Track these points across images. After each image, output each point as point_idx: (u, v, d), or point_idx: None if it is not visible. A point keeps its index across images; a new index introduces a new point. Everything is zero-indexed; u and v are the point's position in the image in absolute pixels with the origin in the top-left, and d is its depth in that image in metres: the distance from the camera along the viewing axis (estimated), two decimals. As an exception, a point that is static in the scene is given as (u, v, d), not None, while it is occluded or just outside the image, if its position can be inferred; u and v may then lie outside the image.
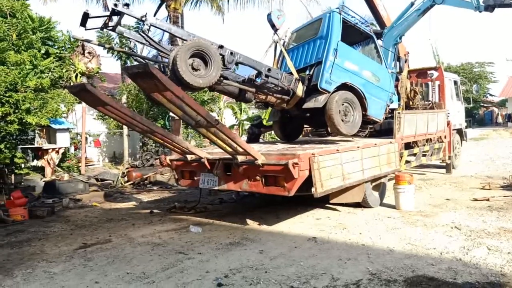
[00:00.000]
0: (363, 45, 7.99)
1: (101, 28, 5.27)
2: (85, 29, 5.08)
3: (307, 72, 6.85)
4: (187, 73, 4.82)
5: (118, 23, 5.20)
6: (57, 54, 11.91)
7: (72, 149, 13.67)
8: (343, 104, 6.72)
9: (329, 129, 7.28)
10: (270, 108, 8.13)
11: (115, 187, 10.28)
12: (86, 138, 13.67)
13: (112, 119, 8.73)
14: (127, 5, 5.00)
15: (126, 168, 11.57)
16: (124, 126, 13.24)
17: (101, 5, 15.93)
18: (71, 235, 6.09)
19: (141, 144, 15.74)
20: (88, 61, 12.95)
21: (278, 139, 8.61)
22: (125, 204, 8.41)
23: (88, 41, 6.09)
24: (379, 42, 8.20)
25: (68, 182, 9.59)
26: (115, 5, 4.88)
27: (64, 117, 12.34)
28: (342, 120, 6.68)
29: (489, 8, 8.33)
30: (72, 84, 11.52)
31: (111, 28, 5.20)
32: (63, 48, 12.54)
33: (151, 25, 5.10)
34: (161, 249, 5.13)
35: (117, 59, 16.00)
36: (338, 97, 6.61)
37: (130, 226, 6.45)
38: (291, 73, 6.65)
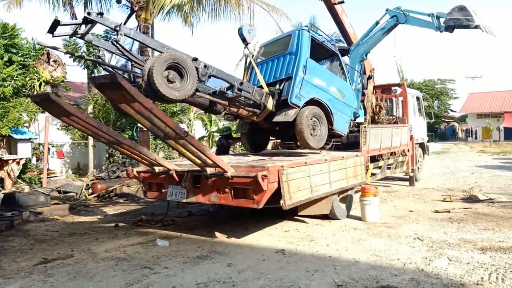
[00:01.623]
0: (328, 62, 8.31)
1: (71, 36, 5.15)
2: (53, 36, 4.96)
3: (277, 87, 6.99)
4: (163, 86, 4.79)
5: (88, 31, 5.11)
6: (21, 62, 11.53)
7: (34, 160, 13.15)
8: (311, 119, 6.92)
9: (298, 142, 7.41)
10: (238, 120, 8.20)
11: (79, 199, 9.94)
12: (49, 149, 13.20)
13: (77, 129, 8.49)
14: (101, 14, 4.91)
15: (91, 180, 11.18)
16: (90, 137, 12.89)
17: (68, 13, 15.61)
18: (31, 250, 5.83)
19: (107, 155, 15.34)
20: (53, 70, 12.57)
21: (246, 150, 8.68)
22: (89, 218, 8.14)
23: (55, 48, 5.93)
24: (344, 59, 8.55)
25: (28, 194, 9.18)
26: (89, 13, 4.78)
27: (26, 126, 11.90)
28: (311, 134, 6.86)
29: (449, 28, 8.74)
30: (35, 93, 11.17)
31: (79, 36, 5.09)
32: (27, 55, 12.15)
33: (125, 35, 5.04)
34: (126, 264, 4.99)
35: (83, 68, 15.62)
36: (308, 112, 6.80)
37: (93, 241, 6.24)
38: (260, 87, 6.75)
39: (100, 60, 5.72)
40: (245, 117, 6.99)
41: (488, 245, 5.39)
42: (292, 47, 7.05)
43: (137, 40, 5.36)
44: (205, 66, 5.57)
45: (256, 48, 7.59)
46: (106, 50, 5.48)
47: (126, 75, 5.69)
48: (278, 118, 6.80)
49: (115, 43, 5.11)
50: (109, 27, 5.03)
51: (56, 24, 4.83)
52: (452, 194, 9.46)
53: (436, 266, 4.64)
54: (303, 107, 6.79)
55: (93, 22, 4.91)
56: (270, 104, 6.76)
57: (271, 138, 9.45)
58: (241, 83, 6.27)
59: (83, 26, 5.06)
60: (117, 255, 5.38)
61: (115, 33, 4.98)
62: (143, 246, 5.82)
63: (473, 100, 43.33)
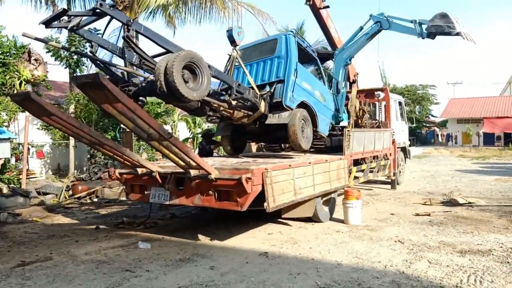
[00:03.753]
0: (309, 67, 8.51)
1: (69, 29, 4.91)
2: (46, 27, 4.78)
3: (267, 89, 7.04)
4: (183, 86, 4.71)
5: (86, 25, 4.97)
6: (1, 60, 11.27)
7: (13, 160, 12.83)
8: (301, 121, 7.10)
9: (290, 143, 7.44)
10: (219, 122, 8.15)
11: (59, 201, 9.75)
12: (29, 149, 12.89)
13: (57, 129, 8.30)
14: (113, 6, 4.76)
15: (71, 181, 10.98)
16: (71, 137, 12.66)
17: (50, 11, 15.31)
18: (8, 252, 5.68)
19: (89, 156, 15.08)
20: (34, 68, 12.33)
21: (226, 153, 8.71)
22: (69, 220, 7.99)
23: (45, 41, 5.70)
24: (326, 64, 8.85)
25: (7, 195, 8.96)
26: (101, 4, 4.59)
27: (5, 126, 11.62)
28: (302, 135, 7.02)
29: (431, 35, 8.93)
30: (16, 92, 10.93)
31: (75, 29, 4.87)
32: (8, 54, 11.89)
33: (136, 30, 4.93)
34: (106, 267, 4.91)
35: (65, 67, 15.35)
36: (299, 114, 7.02)
37: (73, 243, 6.12)
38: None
39: (94, 55, 5.51)
40: (237, 119, 6.97)
41: (467, 248, 5.50)
42: (281, 51, 7.15)
43: (146, 37, 5.18)
44: (208, 66, 5.52)
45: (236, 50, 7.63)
46: (99, 45, 5.34)
47: (119, 73, 5.56)
48: (271, 120, 6.96)
49: (127, 38, 4.96)
50: (120, 21, 4.88)
51: (62, 14, 4.62)
52: (432, 197, 9.63)
53: (417, 268, 4.71)
54: (294, 109, 6.97)
55: (101, 15, 4.75)
56: (263, 106, 6.86)
57: (252, 141, 9.55)
58: (239, 85, 6.31)
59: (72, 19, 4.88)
60: (98, 258, 5.29)
61: (126, 28, 4.82)
62: (124, 248, 5.74)
63: (453, 105, 44.28)
